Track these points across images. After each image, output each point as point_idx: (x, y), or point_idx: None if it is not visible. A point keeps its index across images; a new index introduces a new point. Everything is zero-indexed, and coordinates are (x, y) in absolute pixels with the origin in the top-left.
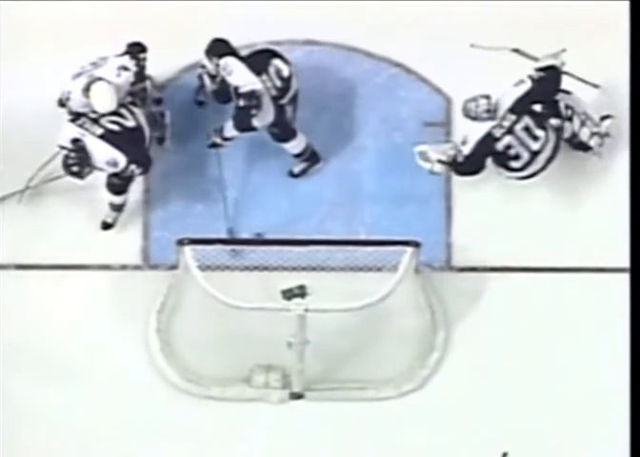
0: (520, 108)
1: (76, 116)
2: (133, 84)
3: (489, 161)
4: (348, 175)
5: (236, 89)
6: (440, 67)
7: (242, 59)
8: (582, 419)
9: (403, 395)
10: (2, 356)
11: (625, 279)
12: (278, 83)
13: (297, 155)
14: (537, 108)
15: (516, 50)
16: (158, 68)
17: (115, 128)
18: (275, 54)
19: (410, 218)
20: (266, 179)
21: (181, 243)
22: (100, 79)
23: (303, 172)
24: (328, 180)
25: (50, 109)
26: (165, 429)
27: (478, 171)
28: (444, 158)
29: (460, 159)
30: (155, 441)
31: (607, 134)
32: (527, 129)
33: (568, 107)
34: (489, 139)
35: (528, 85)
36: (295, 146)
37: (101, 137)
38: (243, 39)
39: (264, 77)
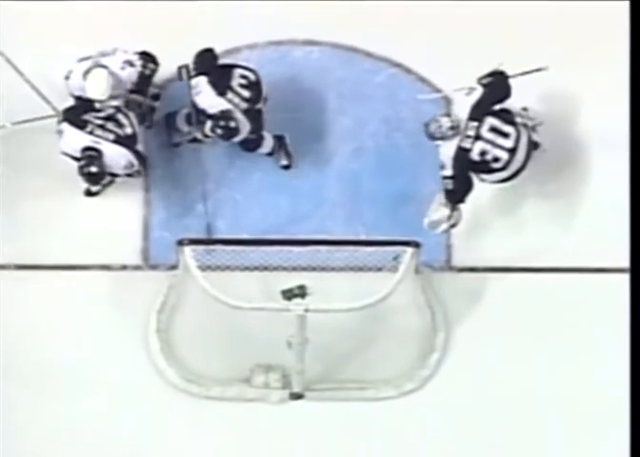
0: (478, 113)
1: (83, 123)
2: (132, 91)
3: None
4: (348, 175)
5: (203, 110)
6: (440, 67)
7: (210, 78)
8: (582, 419)
9: (403, 395)
10: (1, 356)
11: (625, 279)
12: (246, 93)
13: (270, 153)
14: (497, 107)
15: (472, 88)
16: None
17: (120, 131)
18: (235, 65)
19: (409, 218)
20: (266, 179)
21: (181, 243)
22: (102, 66)
23: (289, 157)
24: (328, 180)
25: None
26: (165, 429)
27: (471, 187)
28: (447, 210)
29: (450, 186)
30: (155, 441)
31: (538, 124)
32: (493, 129)
33: (506, 111)
34: (461, 153)
35: (479, 91)
36: (266, 145)
37: (115, 142)
38: (243, 39)
39: (229, 95)
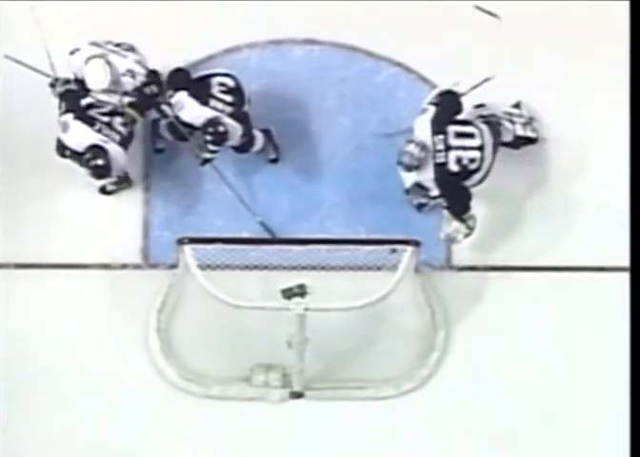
0: (438, 126)
1: (91, 120)
2: (131, 105)
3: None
4: (348, 175)
5: (190, 124)
6: (440, 67)
7: (190, 92)
8: (582, 419)
9: (403, 394)
10: (1, 355)
11: (625, 279)
12: (229, 98)
13: (261, 150)
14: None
15: (424, 109)
16: (158, 68)
17: (123, 130)
18: (211, 75)
19: (410, 217)
20: (266, 179)
21: (181, 242)
22: (105, 60)
23: (277, 151)
24: (328, 180)
25: (48, 106)
26: (165, 429)
27: (467, 196)
28: (460, 225)
29: (445, 204)
30: (155, 441)
31: (532, 118)
32: (458, 134)
33: (491, 115)
34: (440, 169)
35: (432, 108)
36: (257, 143)
37: (119, 143)
38: (243, 39)
39: (212, 103)
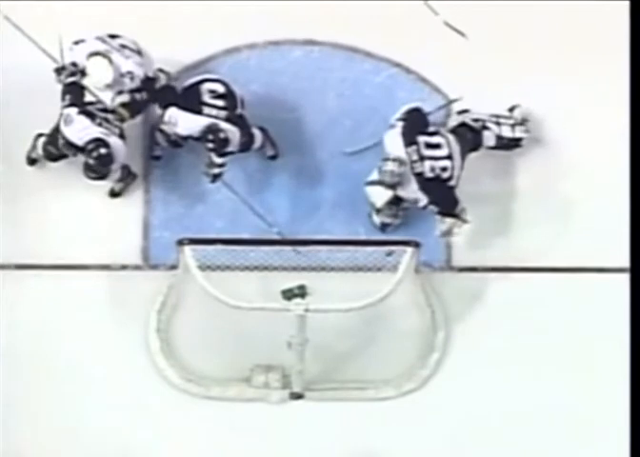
0: (409, 138)
1: (91, 116)
2: (123, 105)
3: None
4: (348, 175)
5: (189, 136)
6: (440, 67)
7: (180, 105)
8: (582, 419)
9: (403, 395)
10: (2, 356)
11: (625, 279)
12: (221, 103)
13: (260, 147)
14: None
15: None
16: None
17: (120, 125)
18: (200, 81)
19: (409, 218)
20: (266, 179)
21: (181, 243)
22: (108, 59)
23: (275, 148)
24: (328, 180)
25: (48, 107)
26: (165, 429)
27: (454, 199)
28: (454, 221)
29: (435, 210)
30: (155, 441)
31: (525, 120)
32: (428, 145)
33: (475, 120)
34: (420, 178)
35: (400, 123)
36: (257, 141)
37: (120, 136)
38: (243, 39)
39: (206, 110)
